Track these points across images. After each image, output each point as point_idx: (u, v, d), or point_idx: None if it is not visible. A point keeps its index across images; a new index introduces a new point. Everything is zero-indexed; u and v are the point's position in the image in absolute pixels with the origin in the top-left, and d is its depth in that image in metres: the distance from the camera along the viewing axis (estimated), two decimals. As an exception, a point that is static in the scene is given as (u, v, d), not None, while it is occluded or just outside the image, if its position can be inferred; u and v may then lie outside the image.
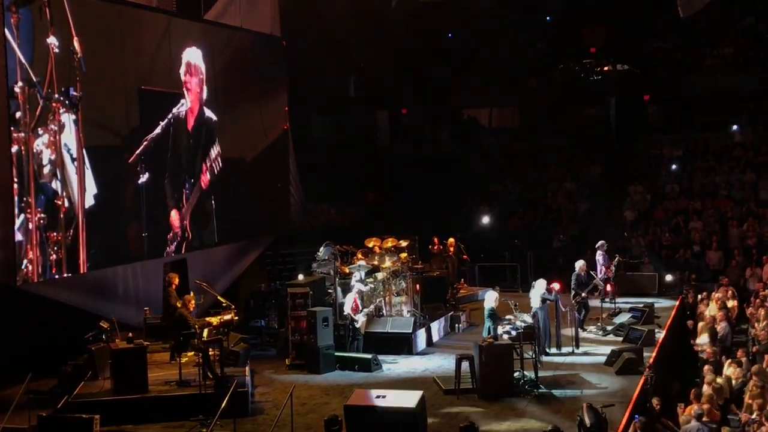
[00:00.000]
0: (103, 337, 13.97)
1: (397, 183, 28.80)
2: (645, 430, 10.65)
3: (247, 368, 13.73)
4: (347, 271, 16.94)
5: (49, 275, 14.73)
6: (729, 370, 13.57)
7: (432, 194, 26.74)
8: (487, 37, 29.84)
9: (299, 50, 24.45)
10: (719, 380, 12.77)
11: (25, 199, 14.23)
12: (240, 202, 20.14)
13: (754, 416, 11.28)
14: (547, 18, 32.77)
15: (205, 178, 19.11)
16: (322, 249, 17.50)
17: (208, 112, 19.16)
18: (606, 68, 30.82)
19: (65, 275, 15.08)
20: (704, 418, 10.79)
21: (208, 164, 19.26)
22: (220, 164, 19.60)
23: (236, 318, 14.22)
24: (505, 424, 11.96)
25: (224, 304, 14.12)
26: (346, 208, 28.04)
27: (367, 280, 16.63)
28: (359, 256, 17.72)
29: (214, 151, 19.48)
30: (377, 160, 31.24)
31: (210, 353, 12.92)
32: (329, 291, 16.62)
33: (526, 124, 33.98)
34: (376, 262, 17.32)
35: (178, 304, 13.46)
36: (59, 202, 14.97)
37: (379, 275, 16.94)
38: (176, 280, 15.09)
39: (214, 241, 19.55)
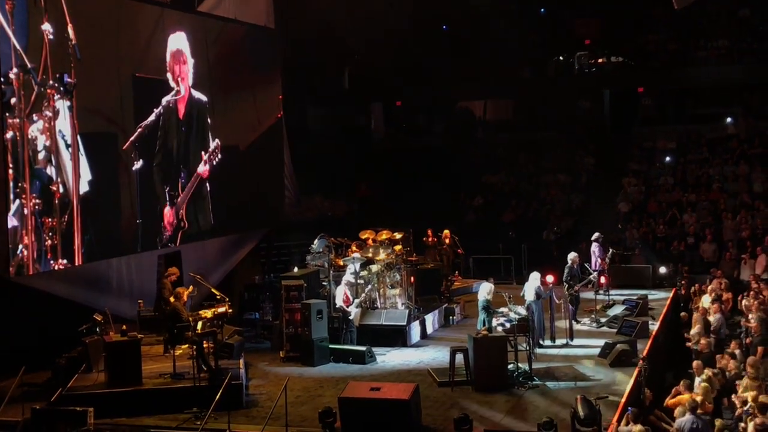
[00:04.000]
0: (97, 329, 13.94)
1: (391, 175, 28.76)
2: (637, 421, 10.69)
3: (241, 361, 13.74)
4: (341, 263, 16.92)
5: (45, 261, 14.76)
6: (723, 362, 13.60)
7: (426, 186, 26.69)
8: (481, 29, 29.74)
9: (293, 42, 24.36)
10: (713, 372, 12.81)
11: (20, 184, 14.32)
12: (235, 192, 20.08)
13: (747, 408, 11.31)
14: (542, 10, 32.72)
15: (204, 168, 19.10)
16: (316, 241, 17.49)
17: (198, 95, 19.05)
18: (600, 60, 30.77)
19: (59, 267, 15.06)
20: (698, 410, 10.82)
21: (207, 156, 19.22)
22: (219, 156, 19.56)
23: (230, 310, 14.16)
24: (499, 416, 11.97)
25: (218, 297, 14.07)
26: (340, 200, 28.01)
27: (362, 272, 16.62)
28: (353, 248, 17.68)
29: (213, 143, 19.45)
30: (371, 152, 31.19)
31: (204, 346, 12.90)
32: (323, 283, 16.62)
33: (520, 116, 33.96)
34: (370, 255, 17.28)
35: (172, 299, 13.43)
36: (54, 188, 15.05)
37: (374, 267, 16.91)
38: (175, 272, 15.09)
39: (210, 229, 19.50)
